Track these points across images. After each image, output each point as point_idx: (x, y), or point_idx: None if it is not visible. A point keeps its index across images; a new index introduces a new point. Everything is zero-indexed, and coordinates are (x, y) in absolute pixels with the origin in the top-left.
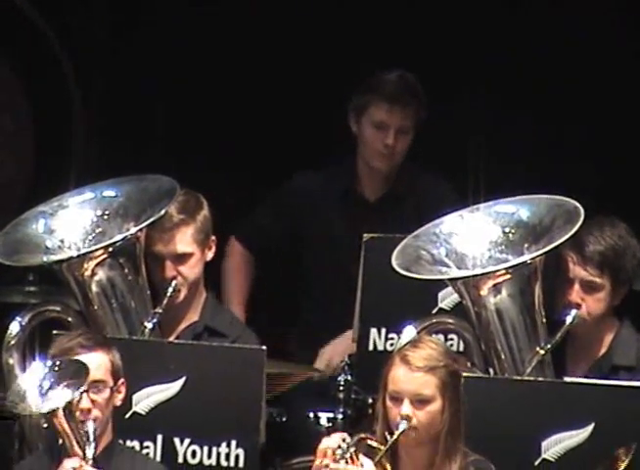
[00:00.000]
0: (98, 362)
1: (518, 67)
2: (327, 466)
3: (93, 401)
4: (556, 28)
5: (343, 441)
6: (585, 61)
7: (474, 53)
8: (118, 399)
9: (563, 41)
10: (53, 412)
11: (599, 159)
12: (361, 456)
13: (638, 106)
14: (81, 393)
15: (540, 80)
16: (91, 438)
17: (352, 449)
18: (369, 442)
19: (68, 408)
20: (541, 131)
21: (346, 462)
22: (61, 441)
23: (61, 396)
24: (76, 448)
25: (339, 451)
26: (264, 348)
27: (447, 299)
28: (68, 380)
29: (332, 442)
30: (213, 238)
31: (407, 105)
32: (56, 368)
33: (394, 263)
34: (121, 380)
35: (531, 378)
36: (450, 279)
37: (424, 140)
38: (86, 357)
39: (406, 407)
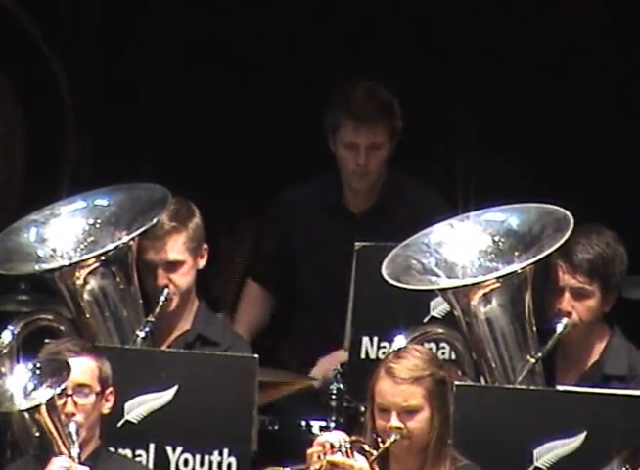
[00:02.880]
0: (84, 367)
1: (508, 70)
2: (324, 455)
3: (77, 406)
4: (547, 29)
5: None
6: (578, 64)
7: (463, 62)
8: (106, 408)
9: (554, 42)
10: (36, 408)
11: (589, 163)
12: (356, 453)
13: (633, 109)
14: (63, 390)
15: (531, 84)
16: (74, 437)
17: (349, 445)
18: (362, 445)
19: (52, 406)
20: (531, 136)
21: (342, 456)
22: (48, 439)
23: (43, 394)
24: (62, 448)
25: (336, 444)
26: (256, 356)
27: (439, 307)
28: (49, 379)
29: (331, 436)
30: (205, 246)
31: (375, 121)
32: (37, 369)
33: (384, 273)
34: (110, 389)
35: (524, 386)
36: (440, 289)
37: (412, 148)
38: (72, 361)
39: (395, 420)
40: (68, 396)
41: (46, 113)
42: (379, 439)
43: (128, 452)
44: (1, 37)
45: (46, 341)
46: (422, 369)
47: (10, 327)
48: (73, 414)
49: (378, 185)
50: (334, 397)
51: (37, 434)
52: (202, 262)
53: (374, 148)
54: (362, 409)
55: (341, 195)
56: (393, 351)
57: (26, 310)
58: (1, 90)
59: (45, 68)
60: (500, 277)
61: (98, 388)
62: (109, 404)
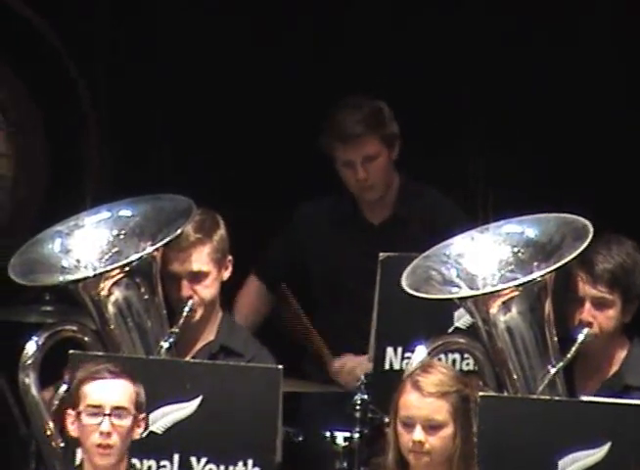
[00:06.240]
0: (123, 389)
1: (517, 87)
2: None
3: (115, 426)
4: (556, 54)
5: None
6: (584, 81)
7: (476, 70)
8: (137, 433)
9: (563, 65)
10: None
11: (607, 172)
12: None
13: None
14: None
15: (542, 98)
16: None
17: None
18: None
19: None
20: (550, 144)
21: None
22: None
23: None
24: None
25: None
26: (280, 367)
27: (464, 318)
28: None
29: None
30: (230, 258)
31: (360, 135)
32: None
33: (404, 284)
34: (143, 415)
35: (548, 397)
36: (460, 298)
37: (430, 161)
38: (112, 382)
39: (418, 433)
40: (105, 415)
41: (68, 127)
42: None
43: (153, 463)
44: (25, 54)
45: (70, 352)
46: (449, 385)
47: (34, 338)
48: (109, 434)
49: (391, 194)
50: (358, 407)
51: (62, 445)
52: (226, 274)
53: (369, 160)
54: (386, 420)
55: (358, 207)
56: (420, 365)
57: (51, 321)
58: (24, 106)
59: (67, 80)
60: (519, 285)
61: (134, 412)
62: (140, 430)
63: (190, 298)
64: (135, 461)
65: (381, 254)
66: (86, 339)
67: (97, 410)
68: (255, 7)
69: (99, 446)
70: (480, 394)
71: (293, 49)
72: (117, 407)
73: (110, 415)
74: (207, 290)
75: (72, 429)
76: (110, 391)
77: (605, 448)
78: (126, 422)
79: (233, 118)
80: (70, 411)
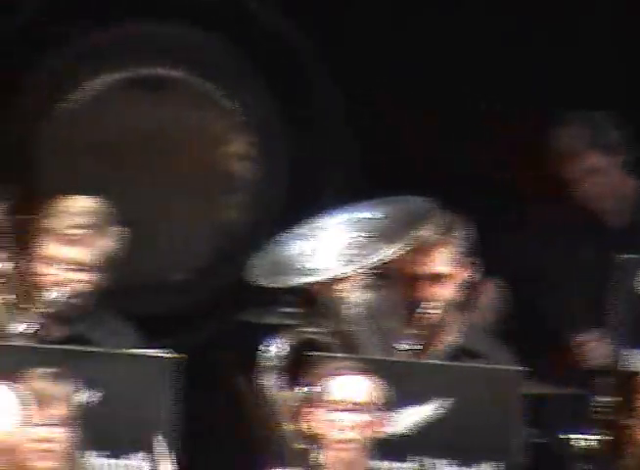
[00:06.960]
0: (363, 386)
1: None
2: None
3: (354, 423)
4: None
5: None
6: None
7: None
8: (378, 432)
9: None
10: None
11: None
12: None
13: None
14: None
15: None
16: None
17: None
18: None
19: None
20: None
21: None
22: None
23: None
24: None
25: None
26: (521, 368)
27: None
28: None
29: None
30: (471, 259)
31: (581, 151)
32: None
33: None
34: (383, 414)
35: None
36: None
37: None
38: (353, 379)
39: None
40: (345, 411)
41: (309, 131)
42: None
43: (395, 465)
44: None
45: (310, 354)
46: None
47: (275, 340)
48: (349, 429)
49: (627, 199)
50: (599, 410)
51: (302, 445)
52: (466, 275)
53: (593, 172)
54: (626, 422)
55: (594, 213)
56: None
57: (291, 323)
58: (263, 104)
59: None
60: None
61: (374, 409)
62: (380, 429)
63: (430, 299)
64: (376, 462)
65: (617, 256)
66: (326, 341)
67: (337, 406)
68: None
69: (339, 441)
70: None
71: None
72: (358, 404)
73: (350, 411)
74: (448, 291)
75: (313, 425)
76: (351, 387)
77: None
78: (366, 418)
79: None
80: (311, 407)
